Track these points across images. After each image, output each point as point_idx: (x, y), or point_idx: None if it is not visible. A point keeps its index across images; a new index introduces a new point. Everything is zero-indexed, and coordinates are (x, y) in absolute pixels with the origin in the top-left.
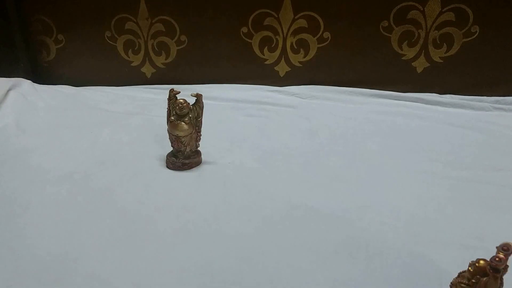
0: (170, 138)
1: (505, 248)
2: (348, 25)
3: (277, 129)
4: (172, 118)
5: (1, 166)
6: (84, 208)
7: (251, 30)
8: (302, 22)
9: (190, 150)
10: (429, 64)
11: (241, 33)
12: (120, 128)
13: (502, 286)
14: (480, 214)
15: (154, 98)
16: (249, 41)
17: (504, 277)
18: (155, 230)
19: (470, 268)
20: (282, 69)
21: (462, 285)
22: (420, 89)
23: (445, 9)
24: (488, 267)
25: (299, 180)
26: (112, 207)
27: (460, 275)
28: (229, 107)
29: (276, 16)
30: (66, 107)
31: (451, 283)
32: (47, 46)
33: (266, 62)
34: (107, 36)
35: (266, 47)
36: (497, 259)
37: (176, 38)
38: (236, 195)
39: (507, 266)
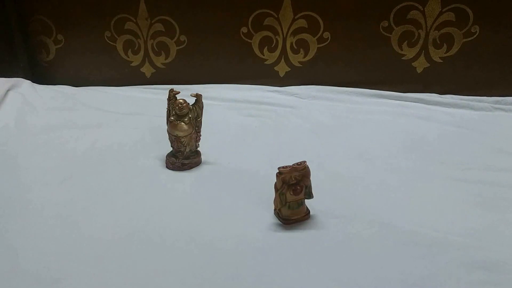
0: (169, 138)
1: (299, 163)
2: (348, 25)
3: (276, 129)
4: (172, 118)
5: (1, 166)
6: (84, 208)
7: (251, 30)
8: (302, 22)
9: (189, 150)
10: (429, 64)
11: (241, 33)
12: (120, 128)
13: (310, 197)
14: (480, 214)
15: (153, 98)
16: (249, 41)
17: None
18: (154, 230)
19: None
20: (282, 69)
21: (274, 189)
22: (420, 89)
23: (445, 9)
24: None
25: None
26: (112, 207)
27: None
28: (229, 107)
29: (276, 16)
30: (66, 107)
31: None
32: (47, 46)
33: (266, 62)
34: (106, 36)
35: (266, 47)
36: (283, 167)
37: (175, 38)
38: (236, 195)
39: (308, 180)
